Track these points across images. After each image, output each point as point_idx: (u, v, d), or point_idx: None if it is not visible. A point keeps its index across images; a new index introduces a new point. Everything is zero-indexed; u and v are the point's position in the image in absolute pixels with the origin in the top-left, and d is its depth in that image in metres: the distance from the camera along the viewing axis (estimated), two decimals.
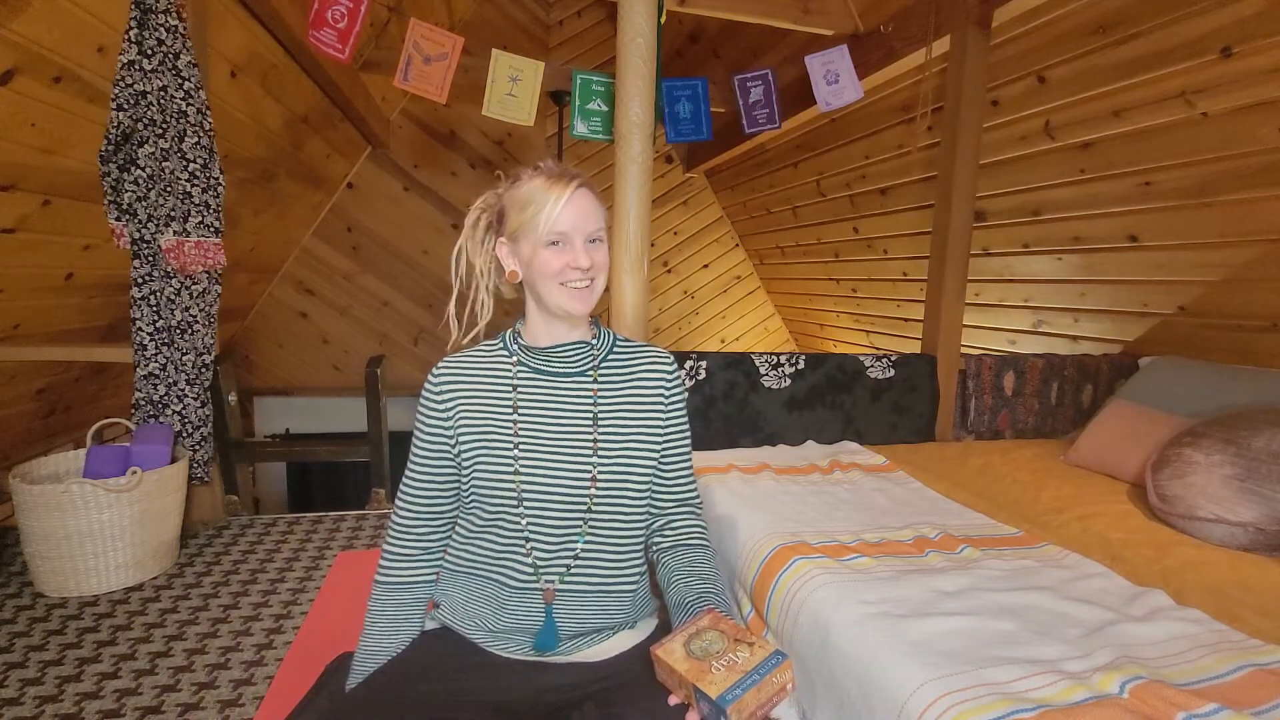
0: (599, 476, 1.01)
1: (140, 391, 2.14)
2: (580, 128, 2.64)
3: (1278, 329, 2.10)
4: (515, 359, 1.04)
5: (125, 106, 1.91)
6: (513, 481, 0.98)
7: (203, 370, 2.21)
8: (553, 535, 0.99)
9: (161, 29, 1.92)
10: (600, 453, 1.01)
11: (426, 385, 1.03)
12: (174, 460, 2.06)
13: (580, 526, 1.00)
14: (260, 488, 4.82)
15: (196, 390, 2.20)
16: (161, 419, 2.17)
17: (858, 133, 3.39)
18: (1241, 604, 1.27)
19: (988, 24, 2.35)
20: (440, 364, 1.05)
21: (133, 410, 2.15)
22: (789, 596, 1.34)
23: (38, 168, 1.88)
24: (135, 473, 1.89)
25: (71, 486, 1.80)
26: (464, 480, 1.02)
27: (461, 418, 1.01)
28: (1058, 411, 2.68)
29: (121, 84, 1.90)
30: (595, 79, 2.62)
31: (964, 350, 2.63)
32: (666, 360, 1.09)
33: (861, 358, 2.45)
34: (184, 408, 2.19)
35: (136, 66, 1.90)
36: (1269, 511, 1.51)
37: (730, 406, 2.31)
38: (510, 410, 1.01)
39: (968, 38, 2.36)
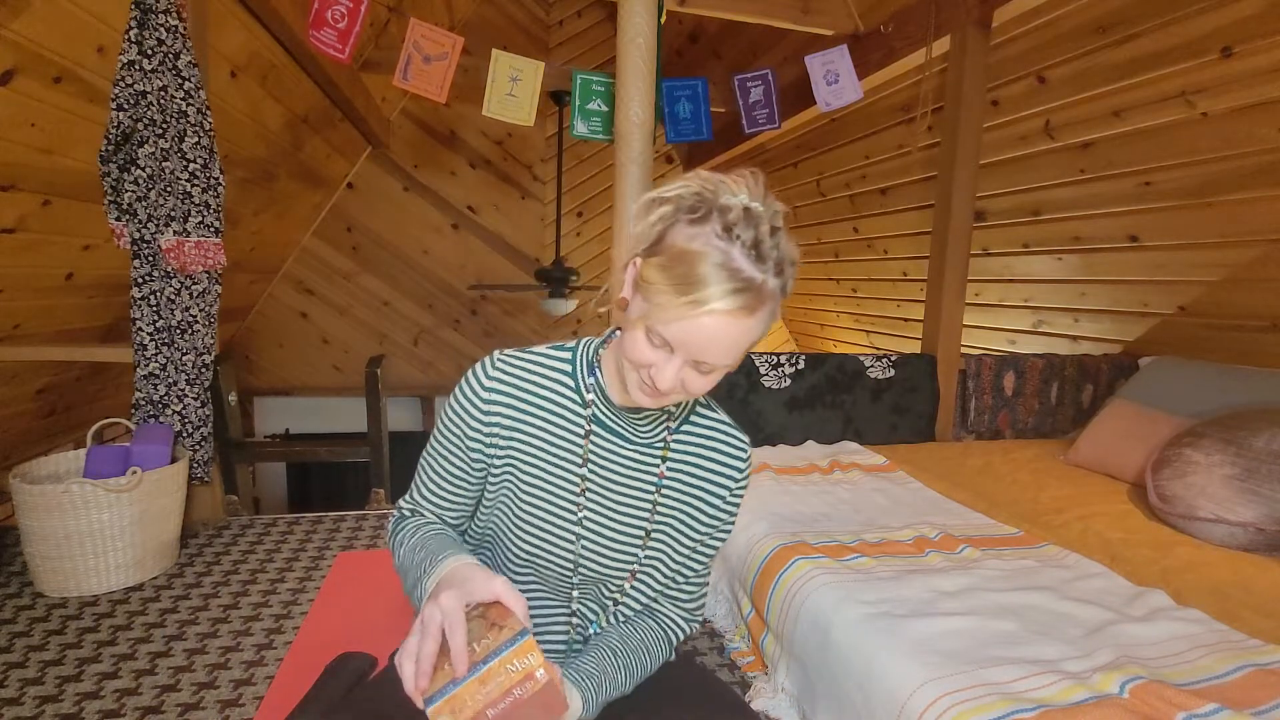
0: (640, 570, 0.87)
1: (140, 391, 2.14)
2: (580, 128, 2.64)
3: (1278, 329, 2.10)
4: (589, 400, 0.83)
5: (125, 106, 1.91)
6: (571, 550, 0.84)
7: (203, 370, 2.21)
8: (596, 615, 0.90)
9: (161, 29, 1.92)
10: (650, 546, 0.86)
11: (473, 382, 0.82)
12: (174, 460, 2.05)
13: (609, 617, 0.90)
14: (260, 488, 4.82)
15: (196, 390, 2.20)
16: (161, 419, 2.17)
17: (858, 133, 3.40)
18: (1241, 604, 1.27)
19: (988, 24, 2.35)
20: (495, 365, 0.83)
21: (133, 410, 2.15)
22: (789, 596, 1.34)
23: (38, 168, 1.88)
24: (135, 473, 1.88)
25: (71, 486, 1.80)
26: (493, 514, 0.86)
27: (504, 441, 0.82)
28: (1058, 411, 2.68)
29: (121, 84, 1.89)
30: (595, 79, 2.62)
31: (964, 350, 2.63)
32: (742, 452, 0.88)
33: (861, 358, 2.45)
34: (184, 408, 2.19)
35: (136, 66, 1.90)
36: (1269, 511, 1.51)
37: (730, 406, 2.31)
38: (579, 462, 0.83)
39: (968, 38, 2.36)
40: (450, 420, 0.83)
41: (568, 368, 0.85)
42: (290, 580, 1.96)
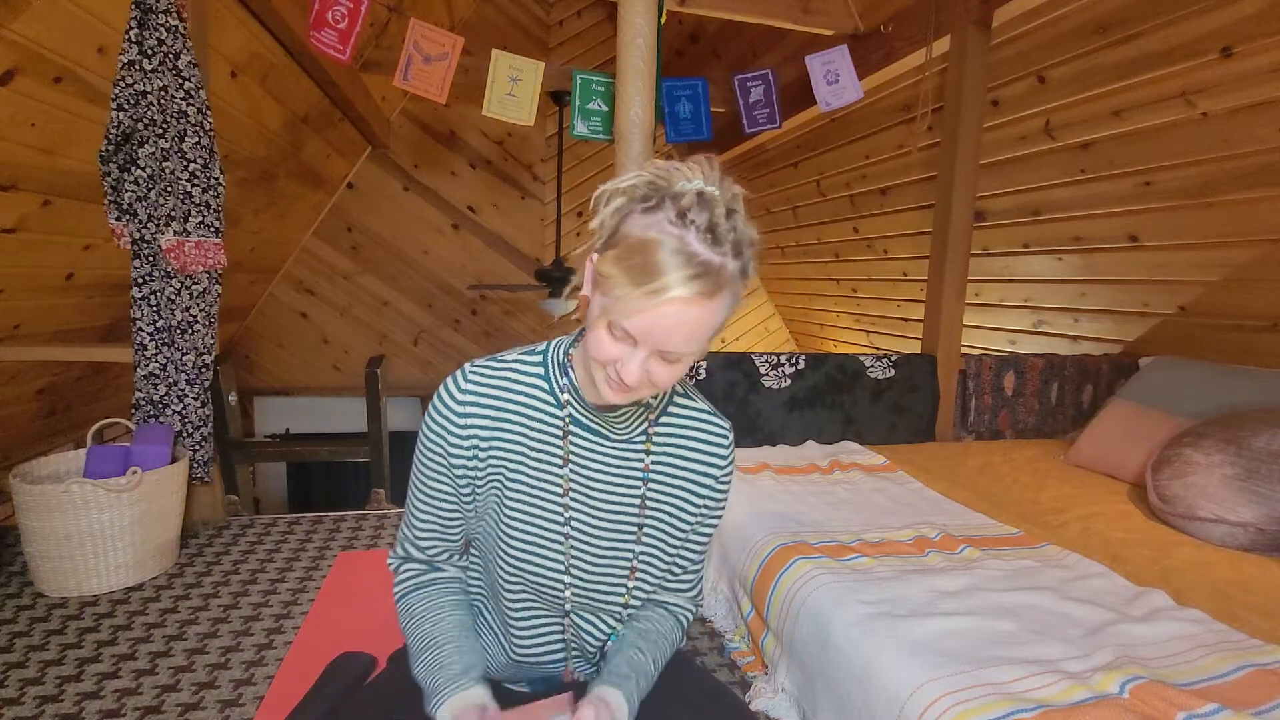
0: (639, 567, 0.86)
1: (140, 391, 2.14)
2: (580, 128, 2.64)
3: (1278, 329, 2.10)
4: (564, 400, 0.82)
5: (125, 106, 1.91)
6: (560, 550, 0.83)
7: (203, 370, 2.21)
8: (591, 624, 0.88)
9: (162, 29, 1.92)
10: (644, 541, 0.86)
11: (446, 399, 0.80)
12: (174, 460, 2.05)
13: (616, 624, 0.89)
14: (260, 488, 4.82)
15: (197, 390, 2.20)
16: (162, 419, 2.17)
17: (858, 133, 3.39)
18: (1241, 604, 1.27)
19: (988, 24, 2.35)
20: (467, 378, 0.81)
21: (133, 410, 2.15)
22: (789, 596, 1.34)
23: (38, 168, 1.88)
24: (135, 473, 1.88)
25: (71, 486, 1.80)
26: (481, 520, 0.85)
27: (484, 452, 0.81)
28: (1058, 411, 2.68)
29: (122, 84, 1.89)
30: (595, 79, 2.62)
31: (964, 350, 2.63)
32: (724, 437, 0.88)
33: (861, 358, 2.45)
34: (184, 408, 2.19)
35: (137, 66, 1.90)
36: (1269, 511, 1.51)
37: (730, 406, 2.31)
38: (560, 464, 0.82)
39: (968, 38, 2.36)
40: (429, 439, 0.82)
41: (540, 370, 0.83)
42: (290, 580, 1.96)
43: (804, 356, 2.39)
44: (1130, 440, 2.02)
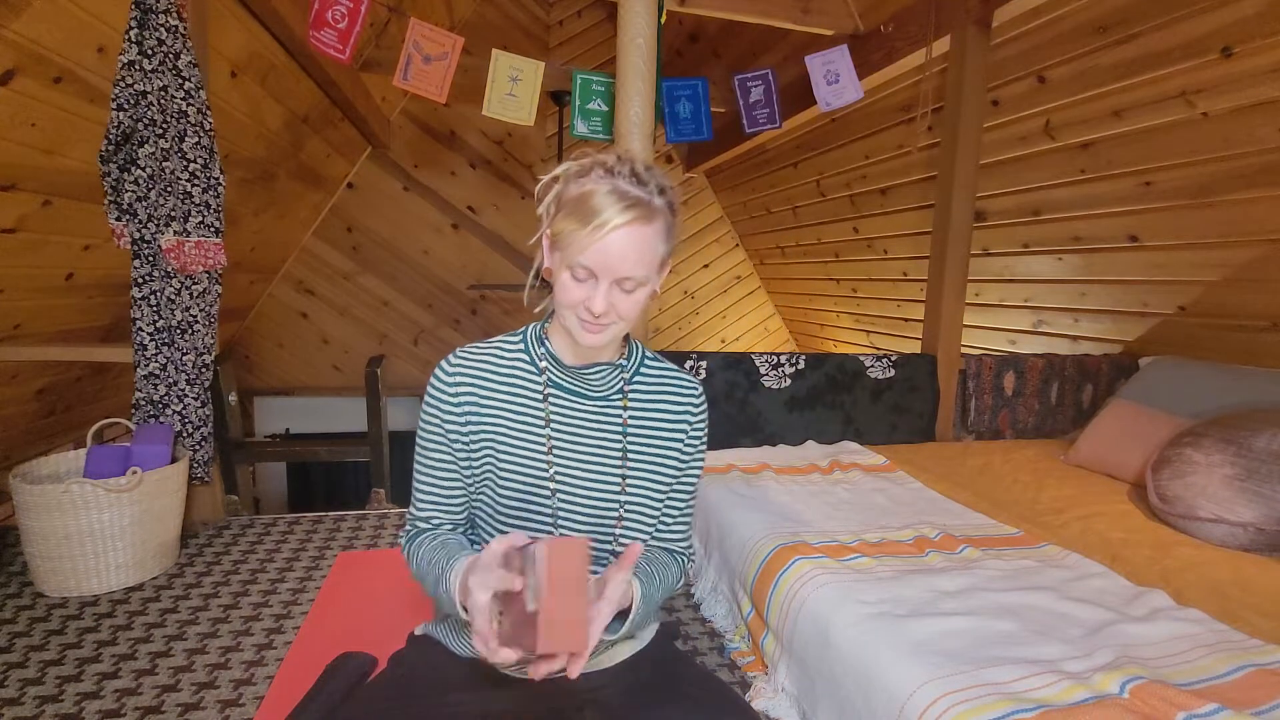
0: (625, 515, 0.94)
1: (140, 391, 2.14)
2: (580, 128, 2.64)
3: (1278, 329, 2.10)
4: (543, 367, 0.93)
5: (125, 106, 1.91)
6: (548, 505, 0.91)
7: (203, 370, 2.21)
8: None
9: (162, 29, 1.92)
10: (629, 491, 0.94)
11: (438, 375, 0.91)
12: (174, 460, 2.05)
13: (605, 565, 0.94)
14: (260, 488, 4.82)
15: (197, 390, 2.20)
16: (162, 419, 2.17)
17: (858, 133, 3.39)
18: (1241, 604, 1.27)
19: (988, 24, 2.35)
20: (455, 355, 0.93)
21: (133, 410, 2.15)
22: (789, 596, 1.34)
23: (38, 168, 1.88)
24: (135, 473, 1.88)
25: (71, 486, 1.79)
26: (479, 493, 0.94)
27: (476, 421, 0.91)
28: (1058, 411, 2.68)
29: (122, 84, 1.89)
30: (595, 79, 2.62)
31: (964, 350, 2.63)
32: (694, 391, 0.99)
33: (861, 358, 2.45)
34: (184, 408, 2.19)
35: (137, 66, 1.90)
36: (1269, 511, 1.51)
37: (730, 406, 2.31)
38: (542, 424, 0.92)
39: (968, 38, 2.36)
40: (427, 419, 0.92)
41: (520, 345, 0.95)
42: (290, 580, 1.96)
43: (804, 356, 2.39)
44: (1130, 440, 2.02)
